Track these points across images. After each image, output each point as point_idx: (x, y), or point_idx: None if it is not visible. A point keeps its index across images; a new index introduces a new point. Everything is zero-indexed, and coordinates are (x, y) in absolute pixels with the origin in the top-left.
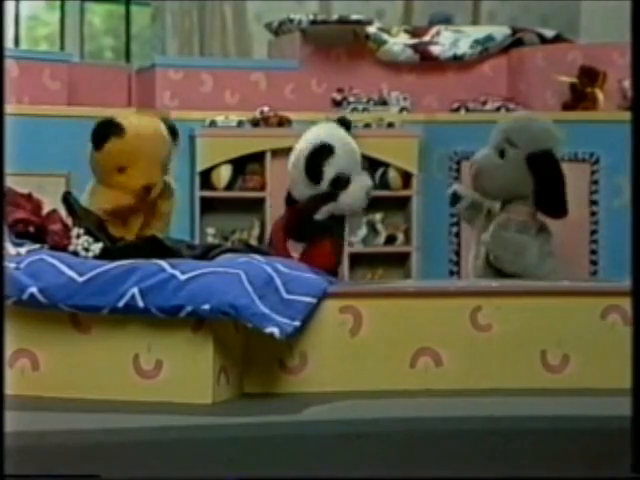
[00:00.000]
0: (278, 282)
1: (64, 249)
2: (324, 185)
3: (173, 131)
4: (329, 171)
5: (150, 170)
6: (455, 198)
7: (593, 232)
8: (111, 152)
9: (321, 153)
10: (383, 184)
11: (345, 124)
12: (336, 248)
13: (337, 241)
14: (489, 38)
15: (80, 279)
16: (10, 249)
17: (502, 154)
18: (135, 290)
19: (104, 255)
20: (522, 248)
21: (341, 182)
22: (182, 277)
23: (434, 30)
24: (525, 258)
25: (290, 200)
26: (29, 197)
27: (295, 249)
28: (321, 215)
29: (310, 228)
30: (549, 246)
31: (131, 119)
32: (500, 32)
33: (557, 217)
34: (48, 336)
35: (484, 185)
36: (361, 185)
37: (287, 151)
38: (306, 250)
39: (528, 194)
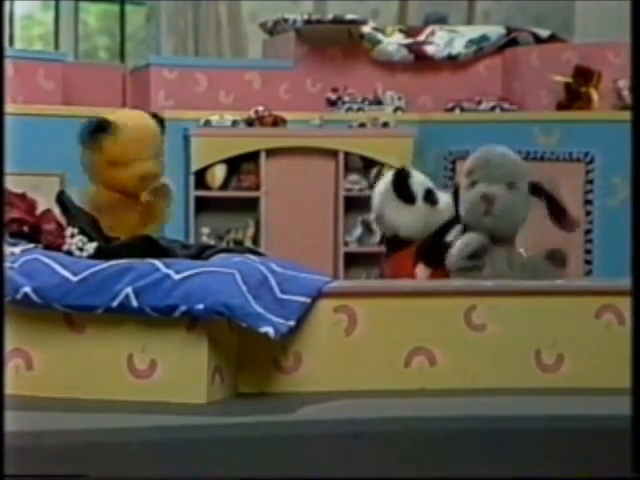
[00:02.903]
0: (272, 282)
1: (58, 249)
2: (420, 203)
3: (160, 121)
4: (417, 189)
5: (143, 162)
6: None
7: (588, 232)
8: (102, 149)
9: (401, 176)
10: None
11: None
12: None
13: None
14: (484, 38)
15: (74, 279)
16: (5, 249)
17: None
18: (129, 290)
19: (98, 255)
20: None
21: (433, 195)
22: (176, 277)
23: (429, 30)
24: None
25: (399, 241)
26: (23, 197)
27: (423, 272)
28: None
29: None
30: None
31: (118, 115)
32: (495, 32)
33: (570, 230)
34: (42, 336)
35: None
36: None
37: (282, 151)
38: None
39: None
